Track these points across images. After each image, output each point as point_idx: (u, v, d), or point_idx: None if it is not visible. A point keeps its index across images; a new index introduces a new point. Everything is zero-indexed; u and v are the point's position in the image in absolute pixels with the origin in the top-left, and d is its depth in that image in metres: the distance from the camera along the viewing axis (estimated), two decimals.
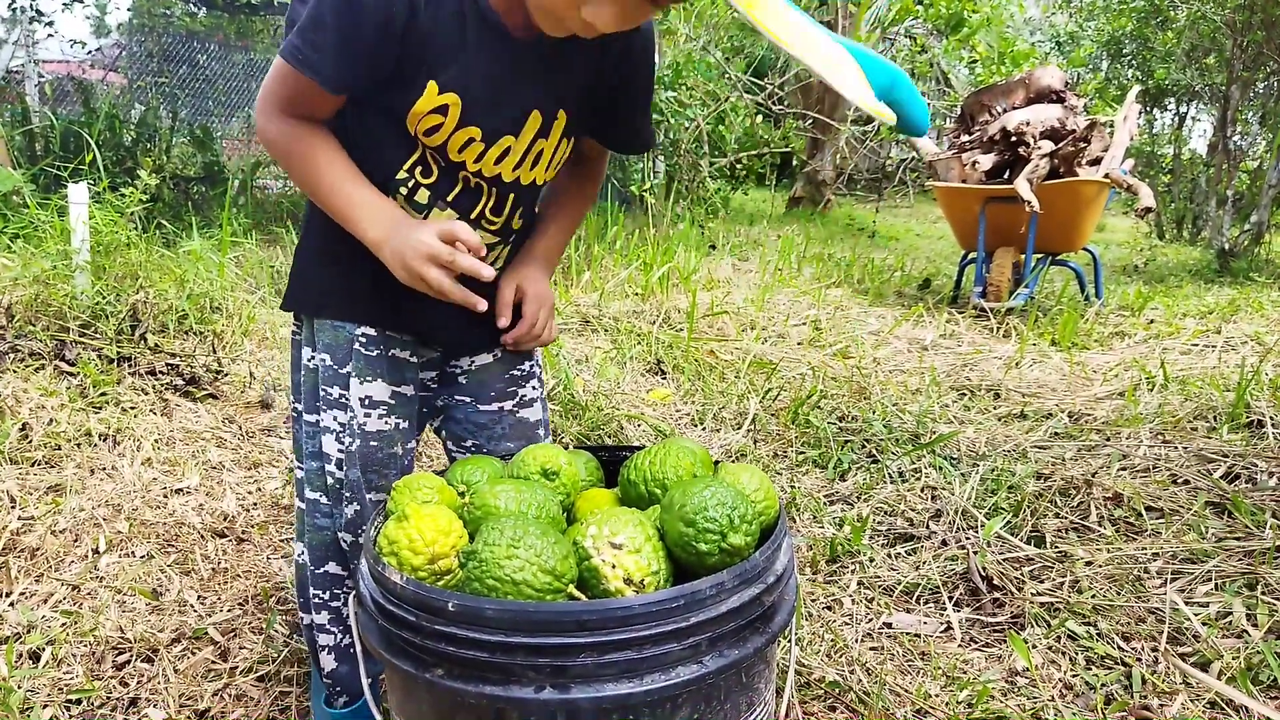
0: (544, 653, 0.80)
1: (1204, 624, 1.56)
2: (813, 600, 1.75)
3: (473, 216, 1.20)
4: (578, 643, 0.80)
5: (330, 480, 1.26)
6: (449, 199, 1.18)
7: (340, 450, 1.24)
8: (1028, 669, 1.50)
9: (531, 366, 1.41)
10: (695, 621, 0.83)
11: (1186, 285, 5.48)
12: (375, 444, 1.24)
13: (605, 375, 3.03)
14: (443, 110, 1.10)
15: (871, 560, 1.89)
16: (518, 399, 1.39)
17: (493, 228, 1.24)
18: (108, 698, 1.45)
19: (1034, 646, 1.56)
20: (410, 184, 1.16)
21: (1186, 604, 1.62)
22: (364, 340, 1.23)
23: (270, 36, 8.87)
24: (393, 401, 1.25)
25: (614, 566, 0.88)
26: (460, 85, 1.09)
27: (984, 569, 1.79)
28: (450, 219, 1.17)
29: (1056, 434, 2.51)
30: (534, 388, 1.41)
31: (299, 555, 1.33)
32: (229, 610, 1.71)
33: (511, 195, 1.22)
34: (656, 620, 0.82)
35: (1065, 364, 3.29)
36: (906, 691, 1.46)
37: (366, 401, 1.23)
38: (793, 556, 0.98)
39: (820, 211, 9.88)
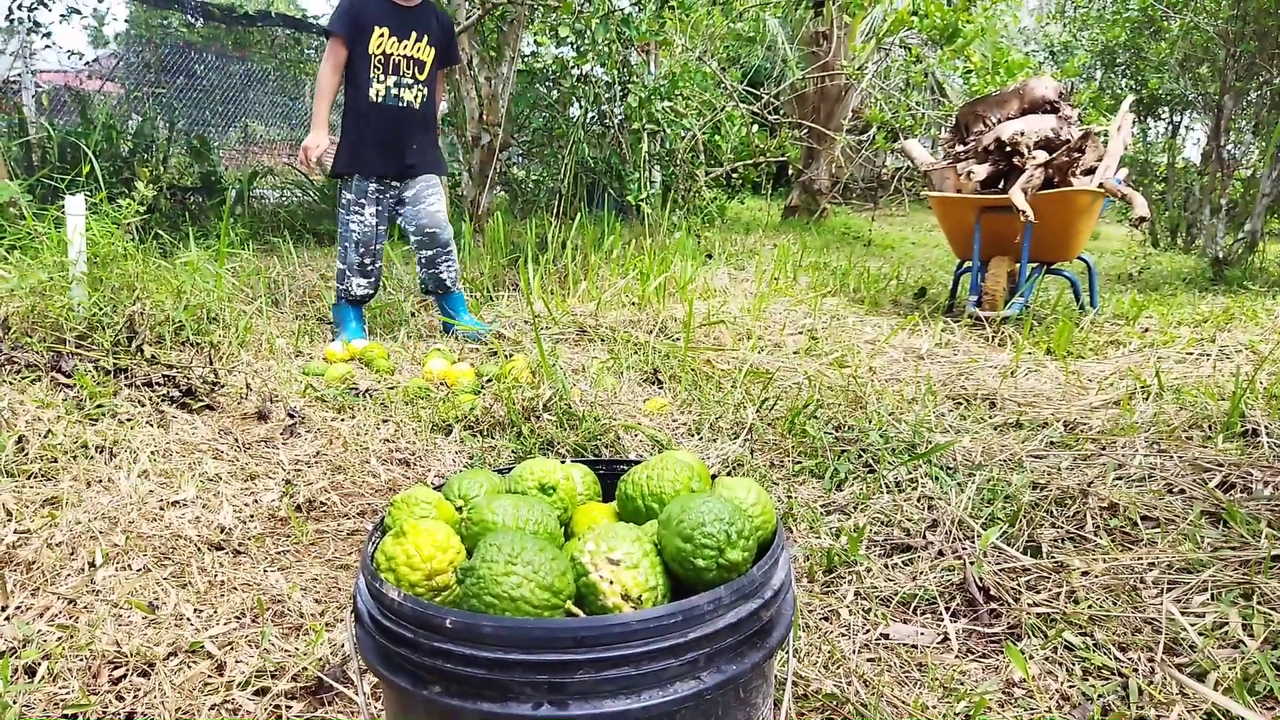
0: (542, 669, 0.80)
1: (1200, 634, 1.56)
2: (810, 611, 1.75)
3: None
4: (575, 659, 0.80)
5: None
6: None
7: None
8: (1024, 680, 1.50)
9: None
10: (693, 637, 0.83)
11: (1181, 294, 5.50)
12: None
13: (602, 385, 3.03)
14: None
15: (868, 571, 1.89)
16: None
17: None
18: (104, 712, 1.44)
19: (1031, 657, 1.56)
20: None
21: (1183, 614, 1.62)
22: None
23: (267, 47, 8.89)
24: None
25: (612, 582, 0.89)
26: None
27: (980, 579, 1.79)
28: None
29: (1052, 443, 2.52)
30: None
31: None
32: (225, 623, 1.70)
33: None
34: (654, 636, 0.82)
35: (1060, 373, 3.30)
36: (904, 703, 1.46)
37: None
38: (790, 570, 0.98)
39: (816, 220, 9.90)
